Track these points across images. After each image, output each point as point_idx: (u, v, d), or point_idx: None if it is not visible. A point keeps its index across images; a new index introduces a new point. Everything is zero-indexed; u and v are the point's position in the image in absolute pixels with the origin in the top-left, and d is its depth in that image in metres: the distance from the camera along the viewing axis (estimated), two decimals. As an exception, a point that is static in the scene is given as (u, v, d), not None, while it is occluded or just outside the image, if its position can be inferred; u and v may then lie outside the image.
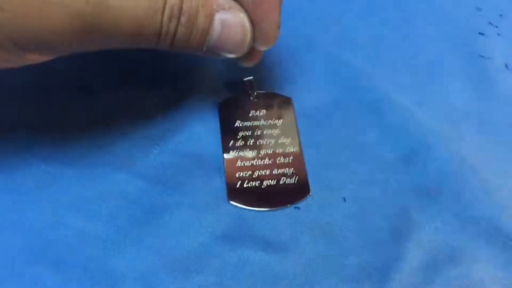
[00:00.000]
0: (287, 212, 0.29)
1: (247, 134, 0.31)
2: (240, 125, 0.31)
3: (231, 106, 0.31)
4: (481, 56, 0.36)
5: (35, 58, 0.22)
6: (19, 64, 0.22)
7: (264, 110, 0.31)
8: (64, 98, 0.30)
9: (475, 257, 0.28)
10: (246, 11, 0.24)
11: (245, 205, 0.28)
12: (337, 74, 0.34)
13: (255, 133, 0.31)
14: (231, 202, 0.28)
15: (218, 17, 0.23)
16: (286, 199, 0.29)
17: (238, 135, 0.30)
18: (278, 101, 0.32)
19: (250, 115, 0.31)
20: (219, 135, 0.30)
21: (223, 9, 0.23)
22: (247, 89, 0.31)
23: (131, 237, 0.27)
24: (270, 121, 0.31)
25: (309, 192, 0.29)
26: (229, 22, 0.23)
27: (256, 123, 0.31)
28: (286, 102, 0.32)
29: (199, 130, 0.31)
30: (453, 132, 0.32)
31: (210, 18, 0.23)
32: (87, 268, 0.26)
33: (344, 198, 0.29)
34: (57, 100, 0.30)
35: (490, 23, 0.38)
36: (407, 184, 0.30)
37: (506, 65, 0.36)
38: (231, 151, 0.30)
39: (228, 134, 0.30)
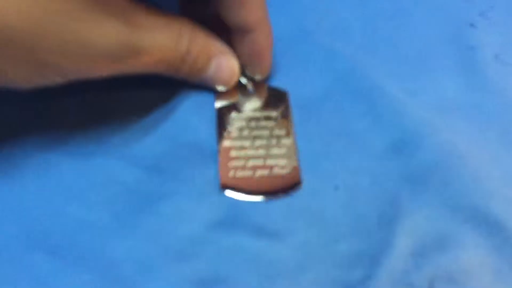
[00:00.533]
0: (280, 201, 0.29)
1: (242, 125, 0.31)
2: (236, 116, 0.31)
3: (226, 97, 0.31)
4: (471, 47, 0.37)
5: (55, 81, 0.25)
6: (43, 84, 0.25)
7: (260, 102, 0.32)
8: (61, 92, 0.31)
9: (464, 243, 0.28)
10: (242, 56, 0.29)
11: (238, 194, 0.29)
12: (330, 65, 0.34)
13: (249, 125, 0.31)
14: (224, 191, 0.29)
15: (215, 60, 0.28)
16: (277, 190, 0.29)
17: (233, 125, 0.31)
18: (274, 94, 0.32)
19: (246, 107, 0.31)
20: (214, 125, 0.31)
21: (220, 52, 0.28)
22: (244, 80, 0.32)
23: (128, 224, 0.28)
24: (265, 113, 0.31)
25: (300, 184, 0.30)
26: (222, 65, 0.29)
27: (251, 114, 0.31)
28: (282, 95, 0.32)
29: (195, 120, 0.31)
30: (444, 122, 0.33)
31: (209, 60, 0.28)
32: (84, 255, 0.27)
33: (336, 186, 0.30)
34: (55, 94, 0.31)
35: (481, 15, 0.39)
36: (397, 173, 0.30)
37: (496, 56, 0.36)
38: (225, 141, 0.30)
39: (223, 124, 0.31)
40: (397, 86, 0.34)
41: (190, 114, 0.31)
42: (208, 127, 0.31)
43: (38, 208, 0.27)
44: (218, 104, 0.31)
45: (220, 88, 0.30)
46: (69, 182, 0.28)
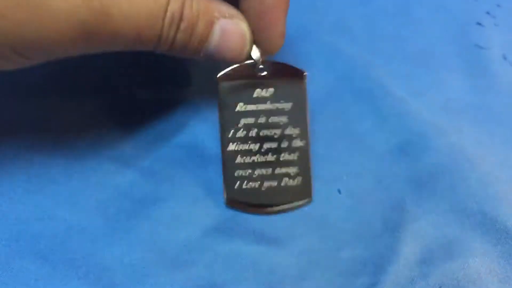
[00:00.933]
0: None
1: (250, 122, 0.27)
2: (243, 109, 0.27)
3: (232, 82, 0.27)
4: (478, 46, 0.36)
5: (30, 62, 0.22)
6: (14, 67, 0.22)
7: (272, 89, 0.27)
8: (53, 92, 0.30)
9: (471, 250, 0.27)
10: (250, 19, 0.24)
11: (244, 210, 0.27)
12: (332, 64, 0.33)
13: (259, 121, 0.27)
14: (229, 206, 0.27)
15: (218, 25, 0.23)
16: (285, 203, 0.28)
17: (239, 123, 0.27)
18: (288, 75, 0.27)
19: (255, 95, 0.27)
20: (215, 122, 0.30)
21: (224, 17, 0.23)
22: (257, 54, 0.26)
23: (120, 229, 0.26)
24: (277, 104, 0.27)
25: (310, 197, 0.28)
26: (229, 31, 0.23)
27: (261, 106, 0.27)
28: (299, 77, 0.27)
29: (193, 120, 0.30)
30: (450, 123, 0.31)
31: (210, 25, 0.23)
32: (75, 260, 0.25)
33: (339, 190, 0.29)
34: (47, 97, 0.29)
35: (488, 13, 0.37)
36: (402, 176, 0.29)
37: (504, 56, 0.35)
38: (230, 144, 0.27)
39: (228, 122, 0.27)
40: (401, 86, 0.33)
41: (187, 115, 0.30)
42: (207, 128, 0.30)
43: (26, 212, 0.26)
44: (223, 87, 0.27)
45: (229, 60, 0.25)
46: (59, 184, 0.27)
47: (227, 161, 0.27)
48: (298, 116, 0.27)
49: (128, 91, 0.30)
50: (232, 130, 0.27)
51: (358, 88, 0.32)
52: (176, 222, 0.27)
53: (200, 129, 0.30)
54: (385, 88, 0.32)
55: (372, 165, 0.30)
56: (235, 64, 0.25)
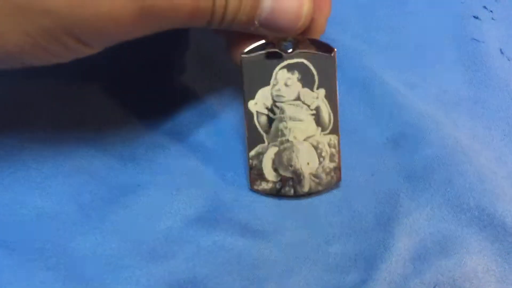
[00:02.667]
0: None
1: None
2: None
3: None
4: (474, 39, 0.35)
5: (86, 51, 0.20)
6: (71, 57, 0.20)
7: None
8: (24, 79, 0.28)
9: (468, 247, 0.26)
10: None
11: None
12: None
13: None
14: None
15: None
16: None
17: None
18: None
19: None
20: (202, 110, 0.28)
21: None
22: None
23: (95, 218, 0.25)
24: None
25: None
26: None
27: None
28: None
29: (180, 107, 0.28)
30: (446, 116, 0.30)
31: None
32: (44, 250, 0.23)
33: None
34: (15, 79, 0.28)
35: (485, 7, 0.36)
36: (396, 169, 0.28)
37: (500, 50, 0.34)
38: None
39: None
40: (396, 77, 0.32)
41: (174, 102, 0.28)
42: (192, 115, 0.28)
43: (-6, 198, 0.24)
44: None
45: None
46: (30, 169, 0.25)
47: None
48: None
49: (113, 74, 0.28)
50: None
51: (352, 79, 0.31)
52: (155, 212, 0.25)
53: (185, 117, 0.28)
54: (379, 80, 0.31)
55: (365, 157, 0.28)
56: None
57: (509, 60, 0.34)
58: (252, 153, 0.25)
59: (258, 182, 0.26)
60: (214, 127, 0.28)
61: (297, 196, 0.26)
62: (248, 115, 0.25)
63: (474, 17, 0.36)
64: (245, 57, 0.24)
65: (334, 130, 0.26)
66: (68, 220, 0.24)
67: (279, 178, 0.26)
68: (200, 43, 0.31)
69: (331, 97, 0.25)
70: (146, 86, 0.28)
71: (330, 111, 0.26)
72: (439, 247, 0.25)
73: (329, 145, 0.26)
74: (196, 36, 0.31)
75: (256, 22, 0.22)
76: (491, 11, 0.36)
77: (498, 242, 0.26)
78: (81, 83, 0.28)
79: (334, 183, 0.26)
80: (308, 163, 0.26)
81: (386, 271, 0.24)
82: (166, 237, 0.24)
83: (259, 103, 0.25)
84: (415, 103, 0.30)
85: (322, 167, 0.26)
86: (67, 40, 0.19)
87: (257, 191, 0.26)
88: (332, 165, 0.26)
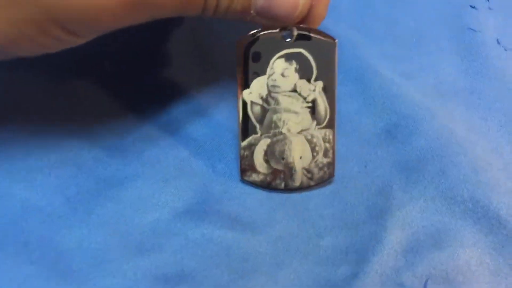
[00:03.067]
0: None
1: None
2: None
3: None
4: (471, 29, 0.34)
5: (74, 40, 0.20)
6: (58, 48, 0.20)
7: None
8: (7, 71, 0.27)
9: (461, 240, 0.25)
10: None
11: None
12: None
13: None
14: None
15: None
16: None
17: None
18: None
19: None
20: (191, 102, 0.27)
21: None
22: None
23: (81, 210, 0.24)
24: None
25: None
26: None
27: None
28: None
29: (170, 98, 0.28)
30: (441, 107, 0.30)
31: None
32: (29, 243, 0.23)
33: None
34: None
35: (483, -4, 0.36)
36: (389, 160, 0.27)
37: (497, 40, 0.34)
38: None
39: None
40: (391, 67, 0.31)
41: (163, 93, 0.28)
42: (182, 106, 0.28)
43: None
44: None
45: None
46: (15, 160, 0.25)
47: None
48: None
49: (100, 66, 0.28)
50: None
51: (346, 69, 0.31)
52: (143, 204, 0.25)
53: (175, 108, 0.28)
54: (373, 70, 0.31)
55: (358, 148, 0.28)
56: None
57: (505, 50, 0.33)
58: (244, 143, 0.25)
59: (248, 173, 0.25)
60: (205, 118, 0.27)
61: (287, 190, 0.25)
62: (242, 104, 0.24)
63: (471, 6, 0.35)
64: (242, 44, 0.24)
65: (330, 125, 0.25)
66: (54, 213, 0.24)
67: (270, 171, 0.25)
68: (193, 33, 0.30)
69: (329, 91, 0.25)
70: (135, 77, 0.27)
71: (327, 105, 0.25)
72: (432, 239, 0.25)
73: (324, 140, 0.25)
74: (190, 25, 0.30)
75: (252, 11, 0.21)
76: (488, 1, 0.36)
77: (492, 234, 0.25)
78: (68, 75, 0.27)
79: (327, 179, 0.26)
80: (301, 157, 0.25)
81: (377, 264, 0.24)
82: (153, 230, 0.24)
83: (254, 92, 0.24)
84: (410, 94, 0.30)
85: (315, 161, 0.25)
86: (54, 30, 0.18)
87: (247, 182, 0.25)
88: (325, 160, 0.25)
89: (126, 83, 0.28)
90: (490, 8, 0.35)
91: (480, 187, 0.26)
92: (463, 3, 0.35)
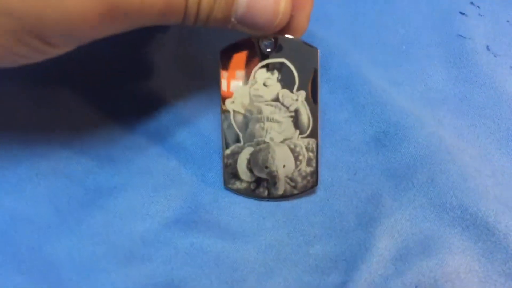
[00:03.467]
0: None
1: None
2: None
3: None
4: (461, 36, 0.34)
5: (53, 51, 0.20)
6: (39, 58, 0.20)
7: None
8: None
9: (450, 247, 0.25)
10: None
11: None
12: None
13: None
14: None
15: None
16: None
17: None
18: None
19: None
20: (180, 111, 0.27)
21: None
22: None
23: (71, 220, 0.24)
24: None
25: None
26: None
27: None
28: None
29: (158, 108, 0.28)
30: (430, 114, 0.30)
31: None
32: (18, 254, 0.23)
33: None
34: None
35: (472, 3, 0.36)
36: (378, 168, 0.27)
37: (487, 47, 0.34)
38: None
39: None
40: (380, 75, 0.31)
41: (151, 104, 0.28)
42: (170, 115, 0.28)
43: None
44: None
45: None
46: (5, 170, 0.25)
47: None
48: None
49: (88, 75, 0.28)
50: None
51: (335, 76, 0.31)
52: (132, 214, 0.25)
53: (163, 117, 0.28)
54: (363, 77, 0.31)
55: (347, 156, 0.28)
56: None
57: (495, 56, 0.34)
58: (228, 151, 0.25)
59: (232, 181, 0.25)
60: (193, 127, 0.28)
61: (271, 198, 0.25)
62: (225, 113, 0.25)
63: (460, 13, 0.35)
64: (224, 54, 0.24)
65: (313, 134, 0.25)
66: (43, 223, 0.24)
67: (253, 179, 0.25)
68: (179, 42, 0.30)
69: (312, 100, 0.25)
70: (123, 87, 0.28)
71: (310, 115, 0.25)
72: (421, 247, 0.25)
73: (307, 149, 0.25)
74: (175, 34, 0.30)
75: (232, 19, 0.21)
76: (478, 7, 0.36)
77: (481, 241, 0.26)
78: (57, 84, 0.27)
79: (310, 188, 0.26)
80: (284, 166, 0.25)
81: (366, 272, 0.24)
82: (143, 240, 0.24)
83: (236, 102, 0.24)
84: (399, 101, 0.30)
85: (299, 170, 0.25)
86: (32, 41, 0.18)
87: (231, 190, 0.25)
88: (309, 169, 0.25)
89: (115, 92, 0.28)
90: (480, 15, 0.36)
91: (468, 195, 0.26)
92: (453, 9, 0.35)
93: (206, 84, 0.29)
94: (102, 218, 0.24)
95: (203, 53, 0.30)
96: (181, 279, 0.23)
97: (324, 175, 0.27)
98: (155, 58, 0.29)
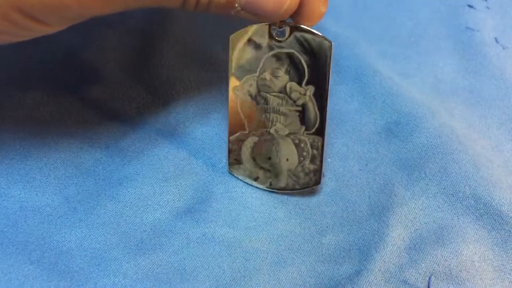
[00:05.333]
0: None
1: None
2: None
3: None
4: (469, 28, 0.34)
5: (43, 29, 0.19)
6: (29, 37, 0.19)
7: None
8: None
9: (464, 237, 0.25)
10: None
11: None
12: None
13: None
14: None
15: None
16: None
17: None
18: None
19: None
20: (187, 102, 0.27)
21: None
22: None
23: (81, 210, 0.24)
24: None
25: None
26: None
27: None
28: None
29: (165, 99, 0.27)
30: (441, 105, 0.30)
31: None
32: (28, 243, 0.23)
33: (322, 172, 0.26)
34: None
35: (480, -4, 0.36)
36: (390, 158, 0.27)
37: (495, 39, 0.34)
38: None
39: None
40: (390, 66, 0.31)
41: (159, 95, 0.28)
42: (179, 106, 0.28)
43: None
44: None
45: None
46: (14, 160, 0.24)
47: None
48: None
49: (97, 65, 0.28)
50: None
51: (345, 68, 0.31)
52: (143, 203, 0.24)
53: (173, 107, 0.28)
54: (373, 69, 0.31)
55: (359, 146, 0.28)
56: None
57: (504, 48, 0.34)
58: (233, 137, 0.25)
59: (236, 166, 0.25)
60: (204, 116, 0.27)
61: (272, 188, 0.25)
62: (232, 101, 0.24)
63: (468, 6, 0.35)
64: (234, 41, 0.23)
65: (320, 132, 0.24)
66: (53, 213, 0.23)
67: (256, 167, 0.25)
68: (188, 31, 0.30)
69: (320, 96, 0.24)
70: (132, 78, 0.27)
71: (317, 111, 0.24)
72: (434, 236, 0.25)
73: (312, 146, 0.25)
74: (184, 23, 0.30)
75: (236, 5, 0.20)
76: (486, 0, 0.36)
77: (495, 230, 0.25)
78: (66, 73, 0.27)
79: (312, 185, 0.25)
80: (287, 159, 0.25)
81: (381, 261, 0.24)
82: (154, 229, 0.24)
83: (244, 89, 0.24)
84: (410, 92, 0.30)
85: (302, 166, 0.25)
86: (19, 18, 0.17)
87: (234, 175, 0.25)
88: (312, 167, 0.25)
89: (124, 83, 0.28)
90: (488, 7, 0.36)
91: (481, 184, 0.26)
92: (461, 2, 0.35)
93: (216, 74, 0.29)
94: (113, 207, 0.24)
95: (213, 43, 0.30)
96: (193, 268, 0.23)
97: (335, 165, 0.27)
98: (164, 50, 0.29)
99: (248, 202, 0.25)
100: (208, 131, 0.27)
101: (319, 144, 0.25)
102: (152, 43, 0.29)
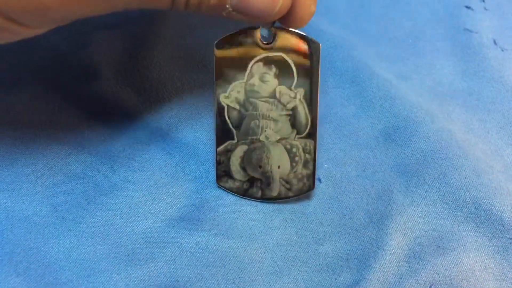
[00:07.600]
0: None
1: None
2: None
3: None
4: (467, 30, 0.33)
5: (24, 32, 0.18)
6: (10, 39, 0.19)
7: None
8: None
9: (465, 245, 0.24)
10: None
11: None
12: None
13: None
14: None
15: None
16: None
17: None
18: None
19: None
20: (180, 107, 0.27)
21: None
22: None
23: (69, 219, 0.23)
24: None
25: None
26: None
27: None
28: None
29: (158, 104, 0.27)
30: (439, 108, 0.29)
31: None
32: (14, 254, 0.22)
33: (319, 179, 0.26)
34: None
35: (478, -3, 0.35)
36: (389, 163, 0.26)
37: (494, 40, 0.33)
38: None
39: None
40: (387, 69, 0.31)
41: (151, 94, 0.27)
42: (173, 109, 0.27)
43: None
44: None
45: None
46: (0, 168, 0.24)
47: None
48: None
49: (87, 68, 0.27)
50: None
51: (341, 70, 0.30)
52: (134, 212, 0.24)
53: (165, 112, 0.27)
54: (370, 71, 0.30)
55: (356, 151, 0.27)
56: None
57: (502, 50, 0.33)
58: (221, 148, 0.24)
59: (224, 179, 0.24)
60: (196, 122, 0.27)
61: (264, 199, 0.24)
62: (219, 109, 0.23)
63: (466, 7, 0.35)
64: (220, 46, 0.23)
65: (311, 135, 0.24)
66: (40, 222, 0.23)
67: (247, 178, 0.24)
68: (180, 35, 0.29)
69: (310, 99, 0.23)
70: (122, 81, 0.27)
71: (308, 114, 0.24)
72: (434, 245, 0.24)
73: (304, 151, 0.24)
74: (176, 26, 0.29)
75: (227, 6, 0.20)
76: (484, 1, 0.35)
77: (496, 238, 0.25)
78: (55, 76, 0.26)
79: (306, 191, 0.25)
80: (279, 167, 0.24)
81: (380, 271, 0.23)
82: (145, 239, 0.23)
83: (231, 97, 0.23)
84: (408, 95, 0.29)
85: (294, 172, 0.24)
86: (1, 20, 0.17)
87: (223, 188, 0.24)
88: (305, 172, 0.24)
89: (114, 87, 0.27)
90: (485, 9, 0.35)
91: (482, 191, 0.25)
92: (458, 3, 0.35)
93: (209, 76, 0.28)
94: (102, 216, 0.23)
95: (205, 46, 0.29)
96: (187, 279, 0.22)
97: (332, 171, 0.26)
98: (156, 52, 0.28)
99: (242, 210, 0.24)
100: (201, 136, 0.26)
101: (312, 147, 0.24)
102: (143, 44, 0.28)
